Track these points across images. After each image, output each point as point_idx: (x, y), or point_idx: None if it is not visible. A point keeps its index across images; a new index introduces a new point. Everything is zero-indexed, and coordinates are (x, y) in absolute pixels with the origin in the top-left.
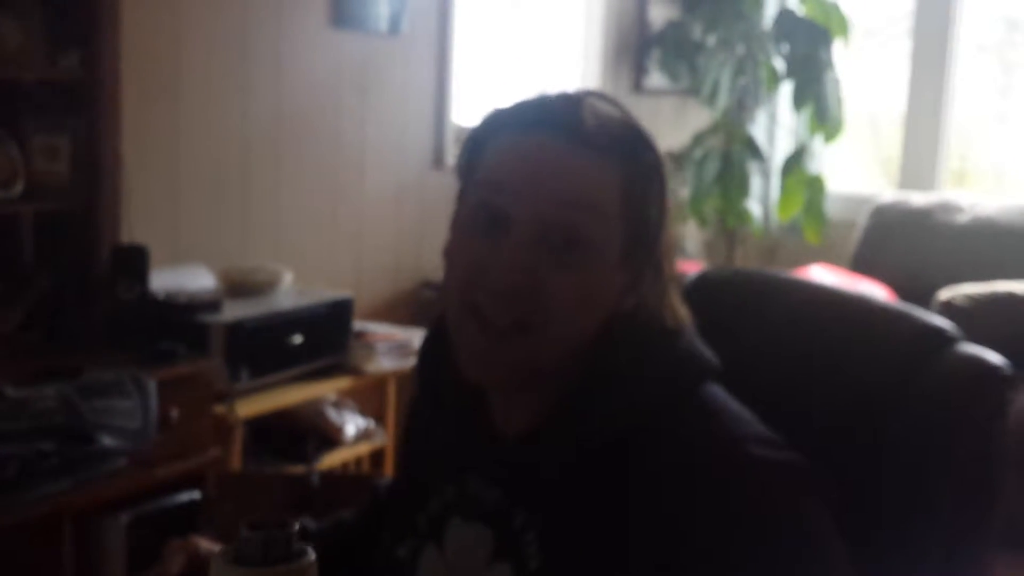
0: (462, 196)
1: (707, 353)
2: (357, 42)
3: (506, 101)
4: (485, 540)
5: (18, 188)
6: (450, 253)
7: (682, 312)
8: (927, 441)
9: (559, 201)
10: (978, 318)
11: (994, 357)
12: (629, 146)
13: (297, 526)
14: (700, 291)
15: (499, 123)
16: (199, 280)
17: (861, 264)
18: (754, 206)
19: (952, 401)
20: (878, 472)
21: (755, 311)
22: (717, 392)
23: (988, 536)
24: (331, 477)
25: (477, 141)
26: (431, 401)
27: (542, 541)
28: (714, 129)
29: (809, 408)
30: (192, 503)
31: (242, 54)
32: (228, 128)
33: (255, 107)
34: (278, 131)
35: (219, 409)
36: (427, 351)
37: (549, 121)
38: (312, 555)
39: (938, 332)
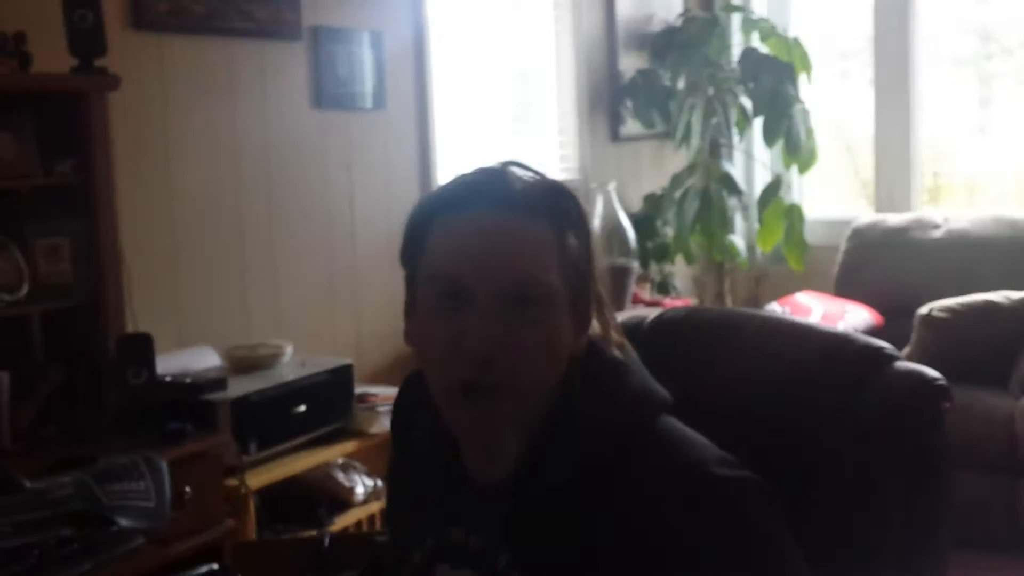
0: (413, 282)
1: (658, 387)
2: (339, 120)
3: (430, 191)
4: None
5: (24, 290)
6: (419, 338)
7: (623, 341)
8: (874, 452)
9: (511, 267)
10: (957, 329)
11: (930, 371)
12: (553, 201)
13: None
14: (657, 333)
15: (432, 210)
16: (205, 360)
17: (844, 287)
18: (738, 240)
19: (894, 413)
20: (831, 486)
21: (710, 346)
22: (672, 423)
23: (940, 537)
24: (340, 537)
25: (415, 230)
26: (406, 459)
27: None
28: (691, 169)
29: (763, 432)
30: (212, 574)
31: (231, 140)
32: (222, 213)
33: (246, 190)
34: (269, 211)
35: (231, 482)
36: (398, 413)
37: (480, 196)
38: None
39: (878, 351)
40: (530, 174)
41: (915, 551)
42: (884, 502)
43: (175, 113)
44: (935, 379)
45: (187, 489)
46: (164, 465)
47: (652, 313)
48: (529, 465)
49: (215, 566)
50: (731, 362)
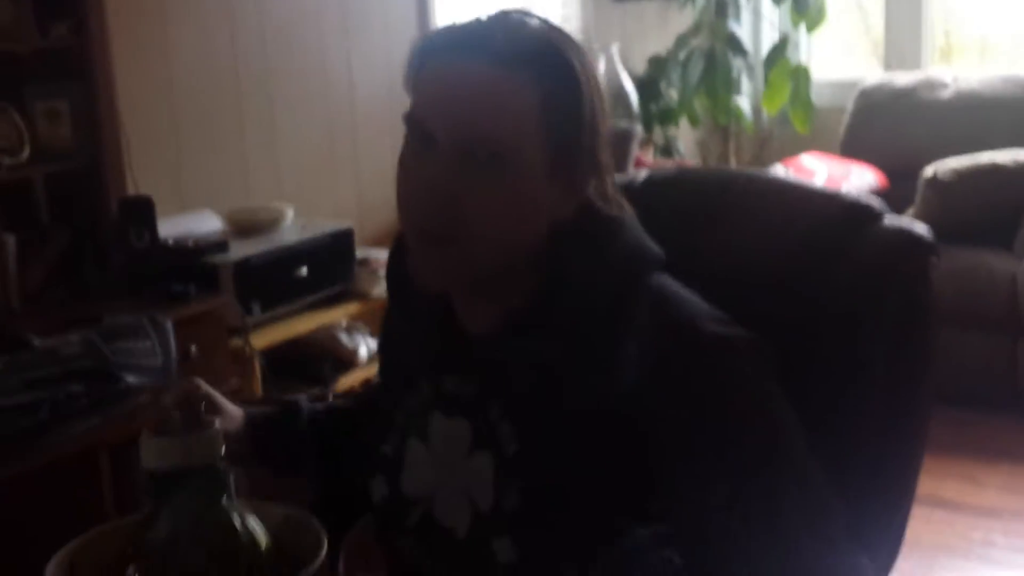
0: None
1: (651, 244)
2: None
3: (430, 31)
4: (464, 431)
5: (26, 153)
6: (396, 181)
7: (622, 202)
8: (858, 308)
9: (474, 120)
10: (962, 190)
11: (918, 227)
12: (541, 58)
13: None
14: (646, 193)
15: (422, 53)
16: (207, 224)
17: (850, 148)
18: (743, 102)
19: (880, 269)
20: (817, 344)
21: (699, 206)
22: (665, 280)
23: (924, 393)
24: (344, 397)
25: (414, 62)
26: (401, 310)
27: (517, 429)
28: (696, 29)
29: (752, 291)
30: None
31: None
32: (220, 75)
33: (243, 51)
34: (267, 71)
35: (235, 343)
36: (392, 265)
37: (464, 44)
38: (216, 425)
39: (866, 208)
40: (531, 24)
41: (898, 406)
42: (868, 358)
43: None
44: (921, 235)
45: (192, 348)
46: (169, 325)
47: (641, 173)
48: (518, 323)
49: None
50: (720, 221)
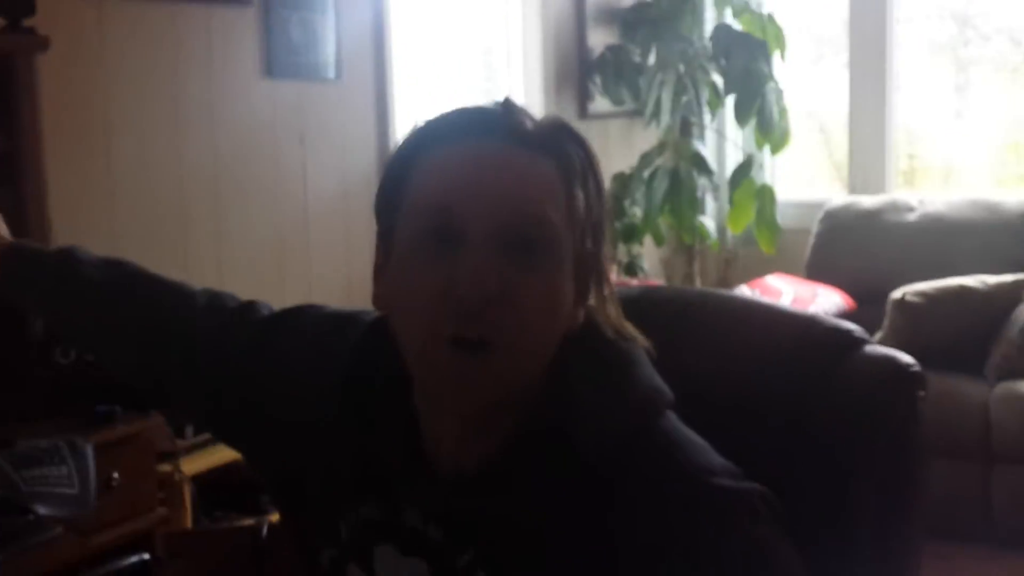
0: (388, 234)
1: (663, 383)
2: (292, 90)
3: (422, 120)
4: (423, 574)
5: None
6: (395, 290)
7: (629, 329)
8: (846, 444)
9: (514, 204)
10: (931, 314)
11: (903, 356)
12: (562, 143)
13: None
14: None
15: (420, 143)
16: None
17: (815, 270)
18: (708, 221)
19: (866, 403)
20: (801, 477)
21: (666, 328)
22: (674, 423)
23: (915, 529)
24: (280, 526)
25: (397, 168)
26: (359, 415)
27: None
28: (660, 148)
29: (728, 420)
30: (142, 565)
31: (174, 109)
32: (164, 181)
33: (191, 158)
34: (216, 183)
35: (164, 468)
36: (360, 358)
37: (484, 126)
38: None
39: (847, 334)
40: (536, 114)
41: (891, 541)
42: (858, 493)
43: (115, 81)
44: (908, 365)
45: (115, 475)
46: (89, 449)
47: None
48: (512, 455)
49: (146, 556)
50: (689, 345)
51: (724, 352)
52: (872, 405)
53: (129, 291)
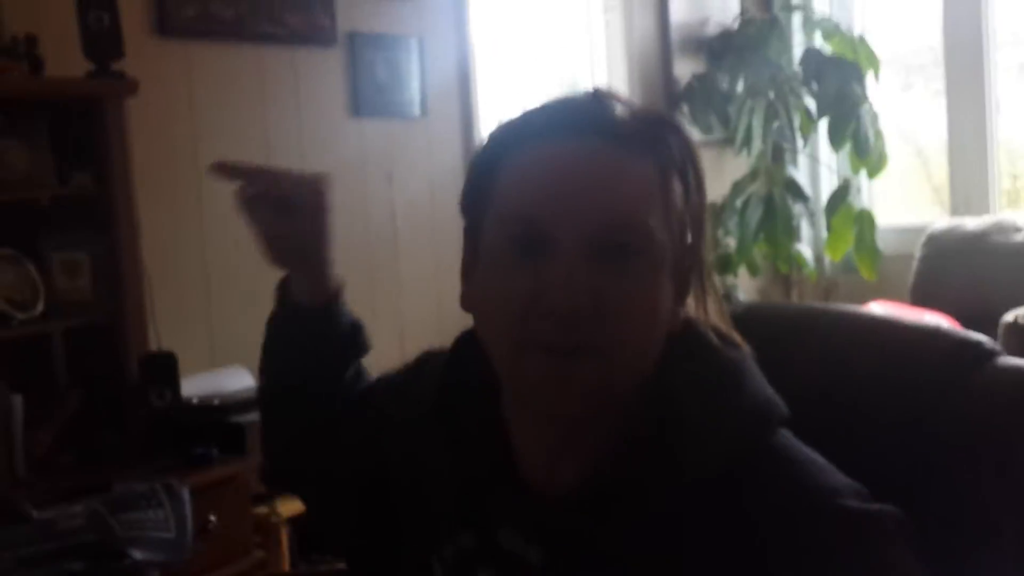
0: (475, 233)
1: (777, 396)
2: (379, 128)
3: (512, 113)
4: None
5: (40, 308)
6: (482, 296)
7: (729, 329)
8: (978, 461)
9: (606, 207)
10: None
11: None
12: (659, 134)
13: None
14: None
15: (507, 139)
16: (238, 381)
17: (920, 295)
18: (805, 249)
19: (1000, 416)
20: (932, 492)
21: (778, 345)
22: (789, 440)
23: None
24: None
25: (484, 165)
26: (448, 431)
27: None
28: (753, 175)
29: (848, 441)
30: None
31: (264, 150)
32: None
33: None
34: None
35: (260, 511)
36: (453, 373)
37: (571, 123)
38: None
39: (976, 346)
40: (633, 102)
41: None
42: (992, 520)
43: (204, 123)
44: None
45: (212, 518)
46: (186, 492)
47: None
48: (614, 470)
49: None
50: (802, 360)
51: (841, 366)
52: (1009, 420)
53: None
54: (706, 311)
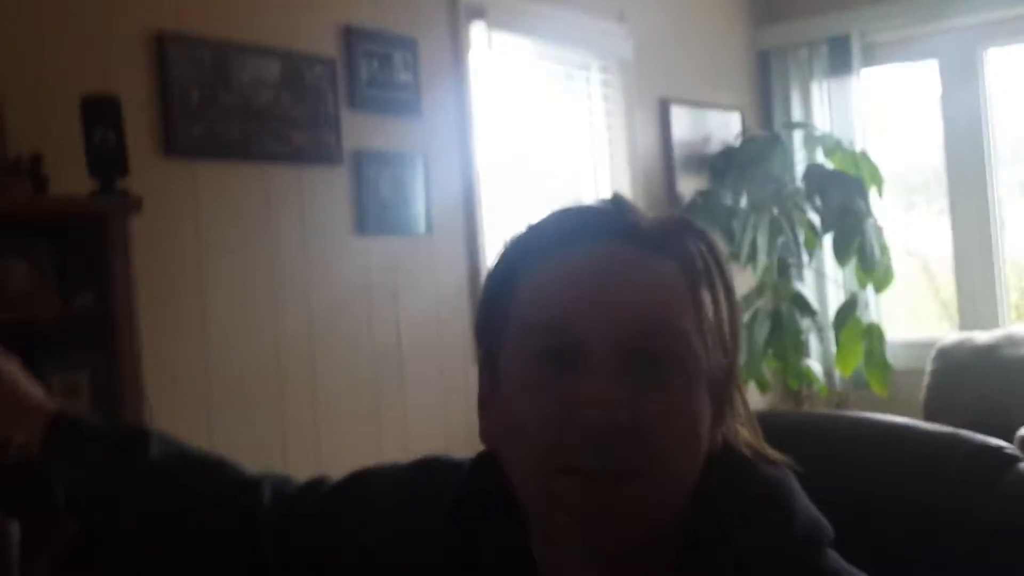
0: (493, 360)
1: (822, 516)
2: (384, 245)
3: (522, 227)
4: None
5: None
6: (504, 421)
7: (770, 449)
8: (1002, 570)
9: (640, 314)
10: None
11: None
12: (684, 242)
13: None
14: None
15: (528, 251)
16: None
17: (933, 411)
18: (814, 364)
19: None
20: None
21: (795, 456)
22: (837, 560)
23: None
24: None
25: (501, 282)
26: (460, 555)
27: None
28: (759, 290)
29: (867, 551)
30: None
31: (268, 269)
32: (259, 340)
33: (285, 317)
34: (311, 341)
35: None
36: (466, 497)
37: (595, 227)
38: None
39: (996, 452)
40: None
41: None
42: None
43: (209, 242)
44: None
45: None
46: None
47: None
48: None
49: None
50: (823, 471)
51: (865, 477)
52: None
53: (187, 484)
54: (740, 431)
